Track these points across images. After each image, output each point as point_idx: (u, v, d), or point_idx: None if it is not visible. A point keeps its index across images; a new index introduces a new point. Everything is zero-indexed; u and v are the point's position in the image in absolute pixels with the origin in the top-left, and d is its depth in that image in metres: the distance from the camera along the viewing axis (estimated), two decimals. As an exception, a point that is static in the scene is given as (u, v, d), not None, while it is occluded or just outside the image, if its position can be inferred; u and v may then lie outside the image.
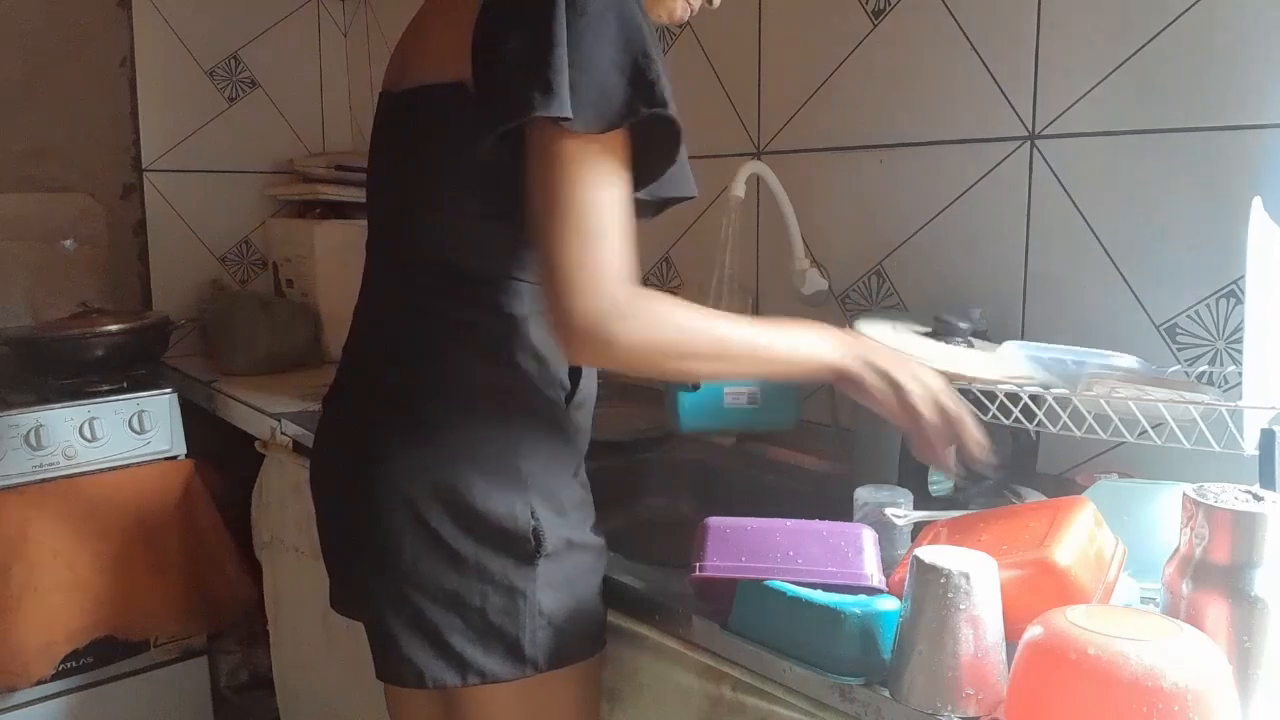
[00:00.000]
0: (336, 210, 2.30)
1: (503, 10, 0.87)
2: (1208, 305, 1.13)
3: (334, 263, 2.22)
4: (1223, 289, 1.12)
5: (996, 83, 1.30)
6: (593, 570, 0.99)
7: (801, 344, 0.92)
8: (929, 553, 0.74)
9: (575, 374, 0.98)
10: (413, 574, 0.92)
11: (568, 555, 0.95)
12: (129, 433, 1.89)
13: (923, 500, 1.05)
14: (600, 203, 0.83)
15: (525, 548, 0.92)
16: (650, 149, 0.88)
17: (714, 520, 0.91)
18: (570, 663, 0.96)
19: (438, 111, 0.93)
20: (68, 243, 2.19)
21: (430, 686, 0.93)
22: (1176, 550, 0.73)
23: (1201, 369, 1.12)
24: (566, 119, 0.81)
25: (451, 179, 0.93)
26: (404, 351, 0.96)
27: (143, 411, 1.90)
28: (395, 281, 0.99)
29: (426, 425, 0.93)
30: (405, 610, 0.93)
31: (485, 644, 0.92)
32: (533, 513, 0.92)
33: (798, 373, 0.92)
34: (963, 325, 1.13)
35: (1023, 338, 1.29)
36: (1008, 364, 0.98)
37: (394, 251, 1.01)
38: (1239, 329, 1.09)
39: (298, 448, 1.63)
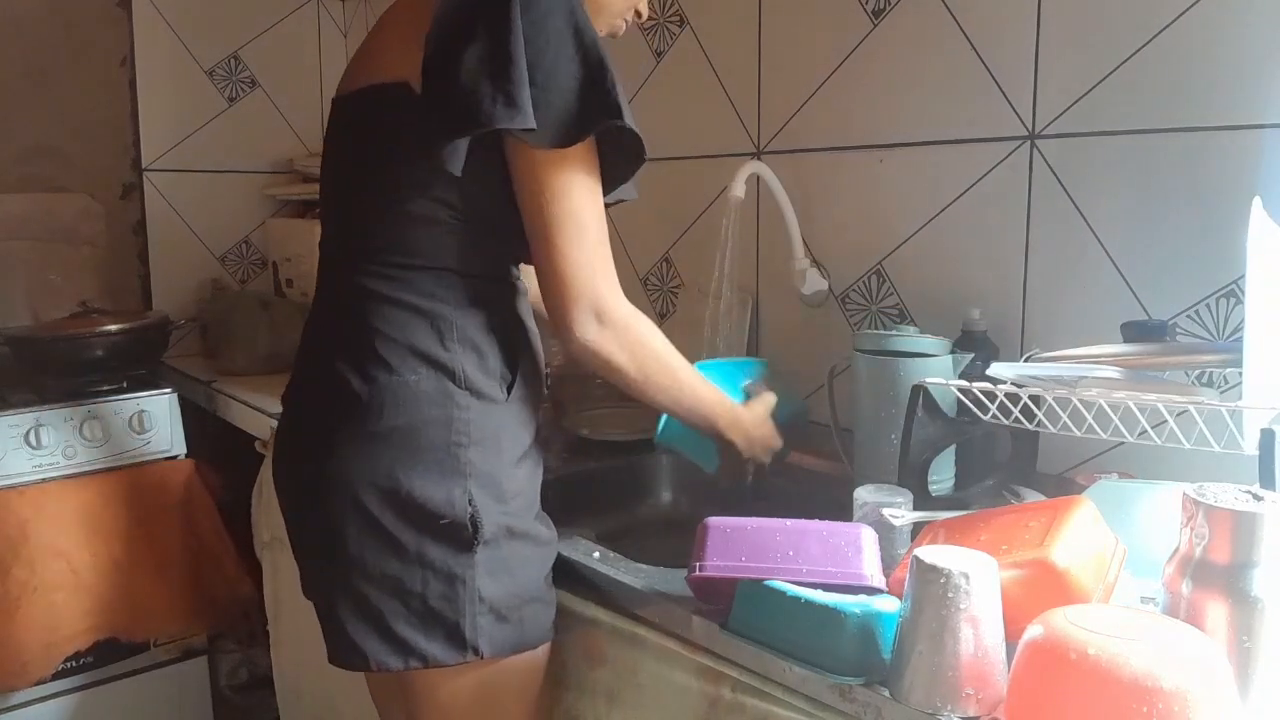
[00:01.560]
0: (336, 210, 2.30)
1: (456, 18, 0.91)
2: (1208, 305, 1.13)
3: (334, 263, 2.22)
4: (1223, 289, 1.12)
5: (996, 83, 1.30)
6: (536, 559, 1.02)
7: (712, 412, 1.09)
8: (929, 553, 0.74)
9: (514, 366, 1.01)
10: (357, 561, 0.95)
11: (507, 543, 0.98)
12: (129, 433, 1.89)
13: (923, 500, 1.05)
14: (585, 210, 0.93)
15: (463, 535, 0.95)
16: (615, 154, 0.96)
17: (714, 520, 0.91)
18: (516, 651, 0.99)
19: (382, 110, 0.97)
20: (68, 243, 2.19)
21: (375, 670, 0.96)
22: (1176, 550, 0.73)
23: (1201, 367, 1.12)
24: (529, 131, 0.88)
25: (393, 175, 0.97)
26: (347, 345, 0.99)
27: (143, 411, 1.90)
28: (343, 276, 1.02)
29: (368, 417, 0.95)
30: (351, 596, 0.96)
31: (427, 629, 0.95)
32: (470, 500, 0.95)
33: (694, 421, 1.09)
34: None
35: (1022, 338, 1.29)
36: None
37: (339, 247, 1.04)
38: (1239, 329, 1.09)
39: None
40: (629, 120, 0.92)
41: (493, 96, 0.87)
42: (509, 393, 1.00)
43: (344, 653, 0.98)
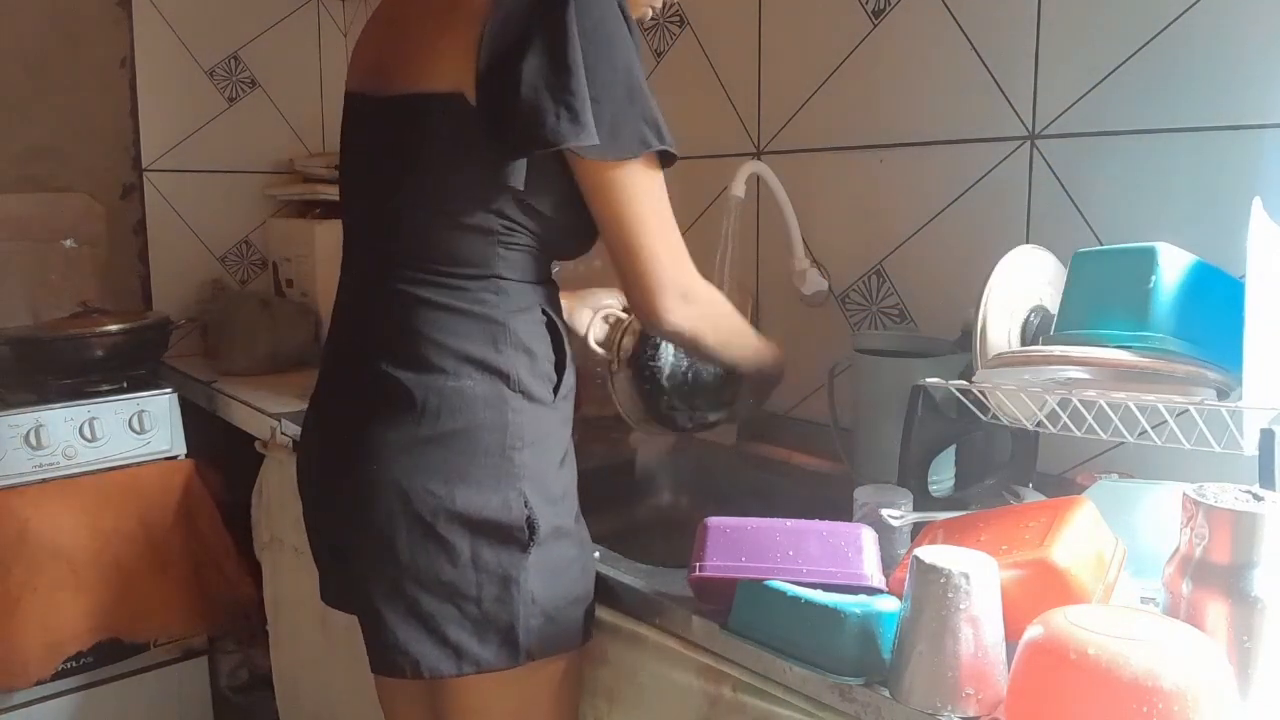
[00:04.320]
0: (337, 210, 2.29)
1: (514, 28, 0.90)
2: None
3: (334, 262, 2.18)
4: (1223, 289, 1.12)
5: (996, 83, 1.30)
6: (579, 559, 1.01)
7: (764, 353, 1.19)
8: (929, 553, 0.74)
9: (560, 367, 1.01)
10: (409, 566, 0.94)
11: (555, 543, 0.97)
12: (129, 433, 1.89)
13: (923, 500, 1.05)
14: (659, 207, 0.97)
15: (520, 536, 0.94)
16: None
17: (714, 520, 0.91)
18: (559, 651, 0.98)
19: (434, 120, 0.95)
20: (68, 242, 2.19)
21: (427, 676, 0.95)
22: (1176, 550, 0.73)
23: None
24: (593, 146, 0.89)
25: (448, 187, 0.95)
26: (394, 349, 0.97)
27: (143, 411, 1.90)
28: (382, 281, 1.00)
29: (422, 422, 0.94)
30: (402, 602, 0.95)
31: (481, 634, 0.94)
32: (526, 501, 0.94)
33: (756, 363, 1.19)
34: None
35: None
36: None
37: (381, 251, 1.02)
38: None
39: (297, 447, 1.63)
40: (674, 146, 0.96)
41: (556, 113, 0.87)
42: (556, 394, 0.99)
43: (392, 660, 0.95)
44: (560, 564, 0.98)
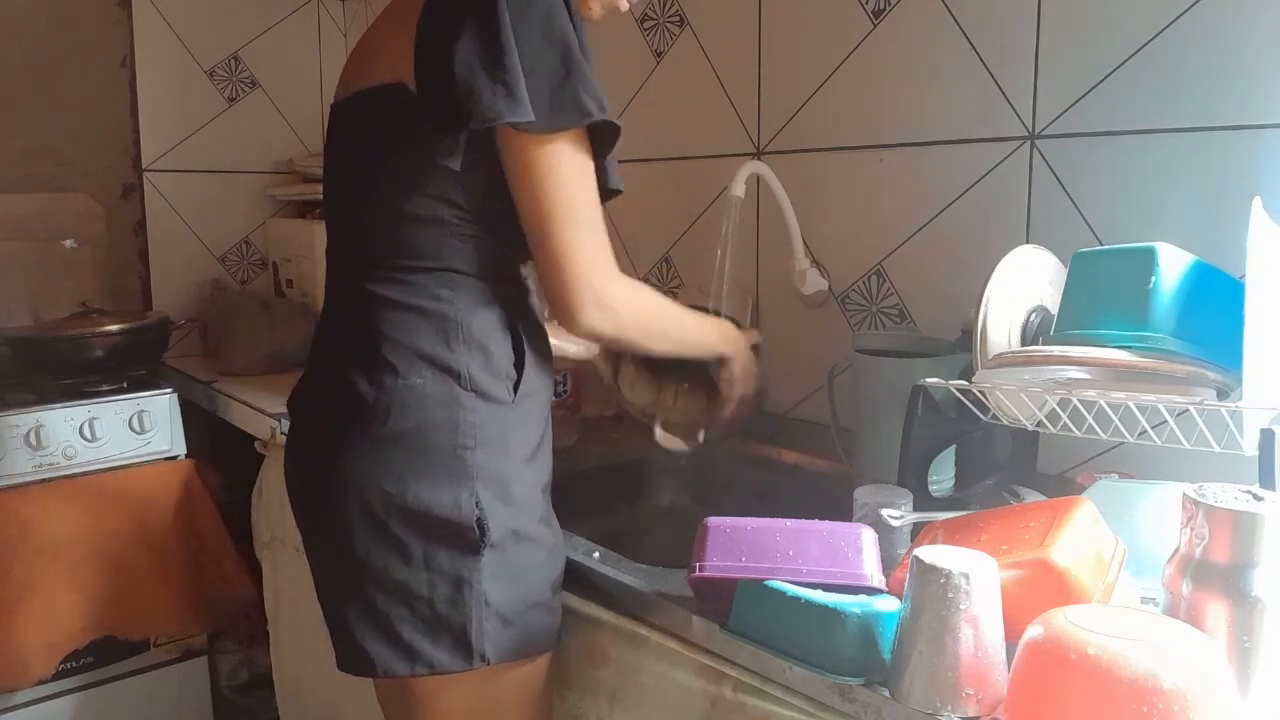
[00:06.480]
0: (336, 210, 2.30)
1: (445, 13, 0.91)
2: (1208, 305, 1.13)
3: (334, 263, 2.22)
4: (1223, 289, 1.12)
5: (996, 83, 1.30)
6: (542, 565, 1.01)
7: (711, 336, 1.17)
8: (929, 553, 0.74)
9: (520, 367, 1.00)
10: (365, 565, 0.95)
11: (514, 546, 0.97)
12: (129, 433, 1.89)
13: (923, 500, 1.05)
14: (580, 194, 0.94)
15: (470, 537, 0.94)
16: (597, 142, 0.96)
17: (714, 520, 0.91)
18: (521, 657, 0.99)
19: (378, 111, 0.97)
20: (68, 243, 2.19)
21: (381, 675, 0.96)
22: (1176, 550, 0.73)
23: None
24: (529, 121, 0.88)
25: (393, 175, 0.96)
26: (356, 351, 0.98)
27: (143, 411, 1.90)
28: (348, 283, 1.02)
29: (374, 421, 0.95)
30: (359, 601, 0.96)
31: (434, 635, 0.95)
32: (477, 502, 0.94)
33: (701, 354, 1.17)
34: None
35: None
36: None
37: (345, 253, 1.04)
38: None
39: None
40: (612, 116, 0.93)
41: (492, 89, 0.87)
42: (515, 393, 0.99)
43: (351, 658, 0.97)
44: (520, 568, 0.98)
